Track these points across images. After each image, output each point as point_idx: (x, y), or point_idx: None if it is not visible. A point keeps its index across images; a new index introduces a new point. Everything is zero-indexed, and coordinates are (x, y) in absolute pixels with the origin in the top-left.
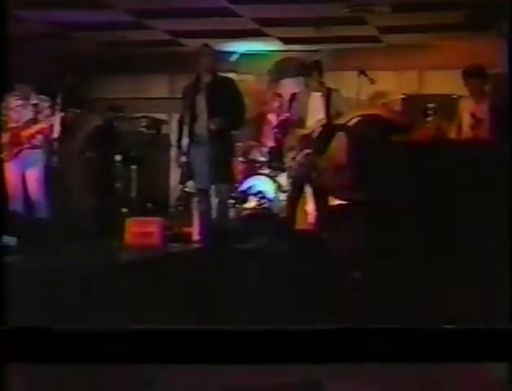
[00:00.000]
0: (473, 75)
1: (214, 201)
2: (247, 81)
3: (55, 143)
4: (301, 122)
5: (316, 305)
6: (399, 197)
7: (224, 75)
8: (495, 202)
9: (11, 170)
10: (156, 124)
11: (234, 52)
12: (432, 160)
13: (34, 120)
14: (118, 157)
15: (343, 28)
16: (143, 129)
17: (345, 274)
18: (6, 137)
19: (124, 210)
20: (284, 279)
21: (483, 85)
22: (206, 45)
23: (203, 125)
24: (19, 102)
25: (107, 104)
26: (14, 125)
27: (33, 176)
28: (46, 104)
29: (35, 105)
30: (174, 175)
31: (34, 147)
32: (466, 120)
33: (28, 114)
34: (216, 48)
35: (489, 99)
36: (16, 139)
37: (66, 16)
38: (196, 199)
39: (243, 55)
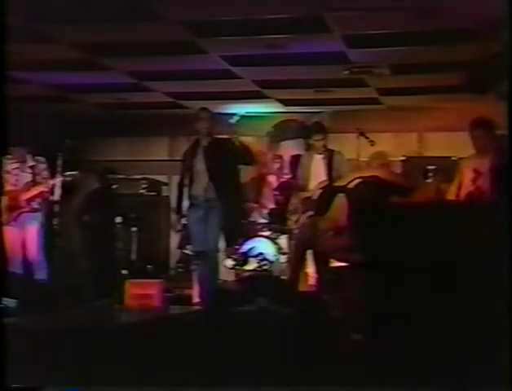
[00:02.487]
0: (479, 126)
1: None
2: (247, 143)
3: (55, 206)
4: (303, 185)
5: (316, 367)
6: (400, 258)
7: (222, 136)
8: (496, 262)
9: (10, 233)
10: (156, 186)
11: (234, 114)
12: (432, 222)
13: (33, 183)
14: (118, 219)
15: (343, 90)
16: (143, 190)
17: (345, 336)
18: (4, 200)
19: (124, 272)
20: (285, 341)
21: (489, 138)
22: (203, 108)
23: (202, 187)
24: (17, 165)
25: (105, 166)
26: (12, 188)
27: (32, 238)
28: (44, 166)
29: (32, 167)
30: (175, 237)
31: (33, 210)
32: (468, 176)
33: (26, 177)
34: (215, 110)
35: (491, 158)
36: (15, 202)
37: (66, 78)
38: (194, 261)
39: (243, 117)
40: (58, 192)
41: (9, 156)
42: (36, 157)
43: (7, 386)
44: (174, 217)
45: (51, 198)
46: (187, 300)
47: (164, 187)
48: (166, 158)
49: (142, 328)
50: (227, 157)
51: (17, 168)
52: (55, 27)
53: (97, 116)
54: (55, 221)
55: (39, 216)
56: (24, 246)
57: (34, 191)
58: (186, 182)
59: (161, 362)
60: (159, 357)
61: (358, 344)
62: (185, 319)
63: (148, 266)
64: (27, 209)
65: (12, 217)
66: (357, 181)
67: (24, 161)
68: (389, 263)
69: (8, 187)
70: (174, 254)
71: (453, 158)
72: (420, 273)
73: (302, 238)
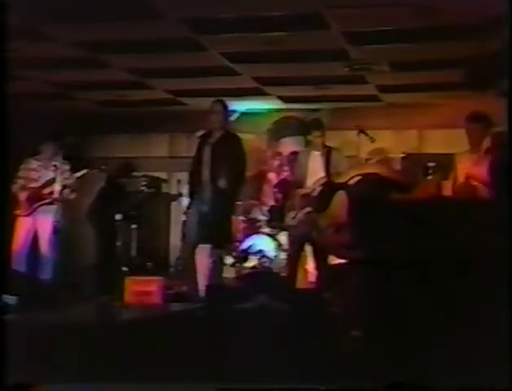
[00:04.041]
0: (475, 120)
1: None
2: (247, 140)
3: (68, 203)
4: (301, 181)
5: (316, 364)
6: (399, 255)
7: (233, 132)
8: (495, 258)
9: (25, 226)
10: (156, 183)
11: (234, 111)
12: (432, 219)
13: (53, 181)
14: (119, 216)
15: (343, 87)
16: (143, 187)
17: (345, 333)
18: (24, 195)
19: (124, 269)
20: (285, 338)
21: (485, 132)
22: (217, 100)
23: (206, 181)
24: (42, 162)
25: (121, 163)
26: (33, 184)
27: (46, 234)
28: (67, 167)
29: (56, 166)
30: (174, 234)
31: (52, 202)
32: (463, 170)
33: (49, 174)
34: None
35: (489, 154)
36: (35, 196)
37: (66, 76)
38: (194, 256)
39: (243, 114)
40: (72, 190)
41: (36, 156)
42: (60, 158)
43: (7, 383)
44: (181, 208)
45: (67, 196)
46: (188, 297)
47: (164, 184)
48: (166, 155)
49: (142, 325)
50: (233, 153)
51: (41, 165)
52: (56, 25)
53: (97, 113)
54: (66, 219)
55: (55, 212)
56: (35, 239)
57: (54, 188)
58: (193, 174)
59: (160, 359)
60: (159, 353)
61: (357, 341)
62: (185, 316)
63: (148, 263)
64: (46, 201)
65: (31, 209)
66: (357, 178)
67: (49, 159)
68: (389, 260)
69: (30, 184)
70: (174, 251)
71: (453, 155)
72: (420, 269)
73: (299, 234)
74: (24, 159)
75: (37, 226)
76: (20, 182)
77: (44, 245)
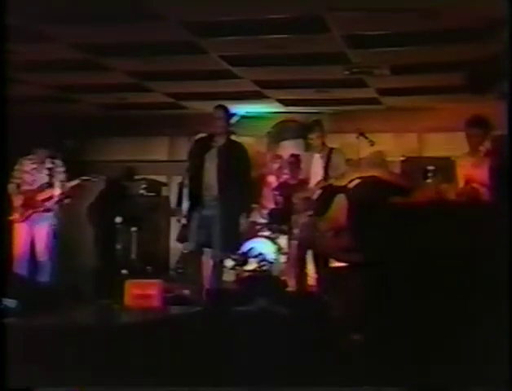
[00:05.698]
0: (475, 125)
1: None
2: (247, 143)
3: (66, 208)
4: (302, 184)
5: (316, 368)
6: (399, 259)
7: (237, 140)
8: (495, 263)
9: (21, 231)
10: (156, 186)
11: (234, 114)
12: (431, 222)
13: (48, 185)
14: (118, 219)
15: (343, 91)
16: (143, 191)
17: (345, 336)
18: (19, 199)
19: (124, 272)
20: (285, 341)
21: (484, 137)
22: (220, 106)
23: (211, 186)
24: (35, 165)
25: (115, 168)
26: (28, 187)
27: (42, 238)
28: (62, 169)
29: (50, 169)
30: (174, 237)
31: (46, 210)
32: (462, 174)
33: (43, 178)
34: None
35: (488, 158)
36: (30, 202)
37: (66, 78)
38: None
39: (243, 117)
40: (70, 194)
41: (29, 157)
42: (54, 160)
43: (7, 386)
44: (177, 210)
45: (64, 200)
46: (188, 300)
47: (164, 188)
48: (166, 158)
49: (141, 328)
50: (241, 162)
51: (35, 168)
52: (56, 27)
53: (97, 116)
54: (64, 223)
55: (51, 216)
56: (32, 245)
57: (49, 193)
58: (194, 178)
59: (160, 363)
60: (158, 357)
61: (358, 345)
62: (185, 319)
63: (148, 267)
64: (40, 209)
65: (25, 216)
66: (357, 181)
67: (42, 163)
68: (388, 263)
69: (24, 187)
70: (174, 254)
71: (453, 158)
72: (419, 272)
73: (303, 238)
74: (18, 160)
75: (35, 230)
76: (16, 181)
77: (43, 249)
